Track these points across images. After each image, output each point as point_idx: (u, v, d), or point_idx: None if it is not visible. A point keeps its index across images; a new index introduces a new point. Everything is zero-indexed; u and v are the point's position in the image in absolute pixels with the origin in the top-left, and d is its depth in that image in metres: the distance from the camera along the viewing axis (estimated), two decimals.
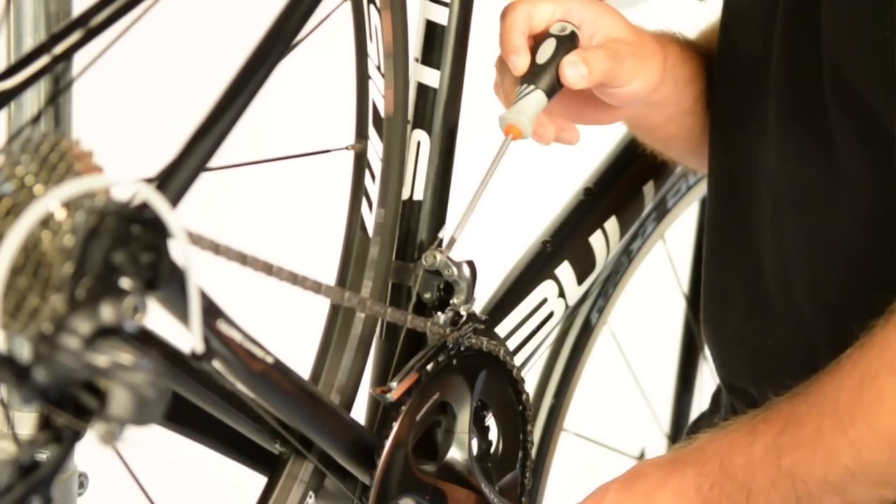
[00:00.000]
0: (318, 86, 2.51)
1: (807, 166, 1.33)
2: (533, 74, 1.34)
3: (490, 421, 1.41)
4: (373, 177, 1.36)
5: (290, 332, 1.39)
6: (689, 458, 1.30)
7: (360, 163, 1.37)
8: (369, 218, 1.36)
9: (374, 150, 1.35)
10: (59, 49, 1.12)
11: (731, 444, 1.28)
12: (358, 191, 1.37)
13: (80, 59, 1.14)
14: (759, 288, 1.40)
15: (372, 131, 1.35)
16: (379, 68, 1.33)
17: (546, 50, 1.34)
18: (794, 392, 1.27)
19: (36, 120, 1.22)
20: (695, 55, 1.49)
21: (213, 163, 1.10)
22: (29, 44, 1.25)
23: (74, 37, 1.12)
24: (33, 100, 1.27)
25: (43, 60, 1.12)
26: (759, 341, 1.41)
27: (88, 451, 1.12)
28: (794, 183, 1.35)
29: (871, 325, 1.23)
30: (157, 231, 1.01)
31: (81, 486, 1.33)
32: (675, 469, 1.30)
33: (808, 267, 1.35)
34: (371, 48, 1.33)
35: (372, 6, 1.32)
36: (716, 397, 1.60)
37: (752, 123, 1.39)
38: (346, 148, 1.35)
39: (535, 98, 1.33)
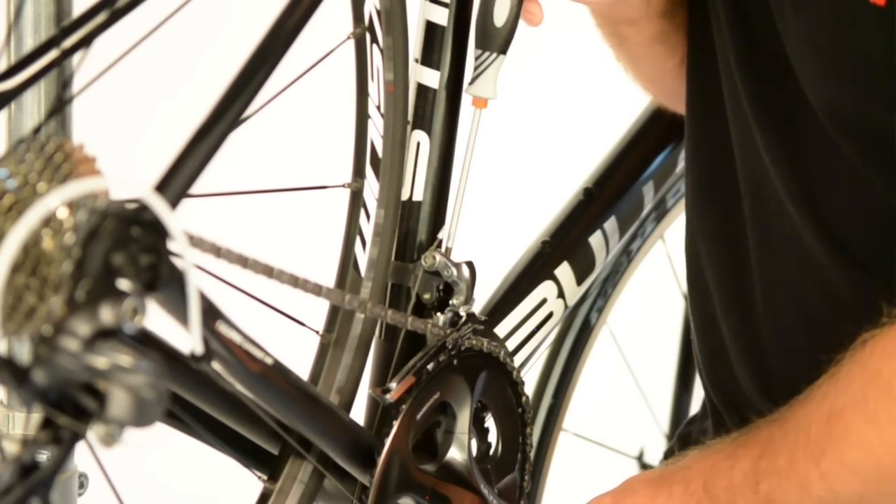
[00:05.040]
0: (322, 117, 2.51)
1: (781, 171, 1.34)
2: (485, 36, 1.35)
3: (489, 422, 1.41)
4: (367, 216, 1.36)
5: (290, 332, 1.39)
6: (676, 476, 1.35)
7: (356, 201, 1.36)
8: (362, 257, 1.36)
9: (371, 189, 1.35)
10: (59, 49, 1.12)
11: (713, 466, 1.33)
12: (352, 229, 1.37)
13: (82, 69, 1.14)
14: (742, 284, 1.41)
15: (369, 171, 1.35)
16: (379, 108, 1.34)
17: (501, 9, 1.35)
18: (771, 417, 1.31)
19: (37, 130, 1.22)
20: None
21: (212, 165, 1.10)
22: (29, 44, 1.25)
23: (75, 37, 1.12)
24: (34, 100, 1.27)
25: (43, 61, 1.12)
26: (740, 338, 1.42)
27: (88, 452, 1.11)
28: (769, 186, 1.35)
29: (839, 358, 1.26)
30: (156, 233, 1.01)
31: (81, 486, 1.33)
32: (663, 487, 1.35)
33: (785, 270, 1.36)
34: (372, 87, 1.34)
35: (375, 46, 1.32)
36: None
37: (724, 120, 1.40)
38: (343, 186, 1.36)
39: (492, 63, 1.35)
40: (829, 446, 1.24)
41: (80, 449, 1.07)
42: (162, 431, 1.18)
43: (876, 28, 1.22)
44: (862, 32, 1.23)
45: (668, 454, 1.64)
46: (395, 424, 1.32)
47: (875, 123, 1.25)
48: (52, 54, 1.11)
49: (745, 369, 1.42)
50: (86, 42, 1.11)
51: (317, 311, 1.38)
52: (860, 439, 1.22)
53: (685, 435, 1.62)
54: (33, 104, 1.27)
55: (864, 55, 1.24)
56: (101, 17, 1.12)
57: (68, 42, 1.11)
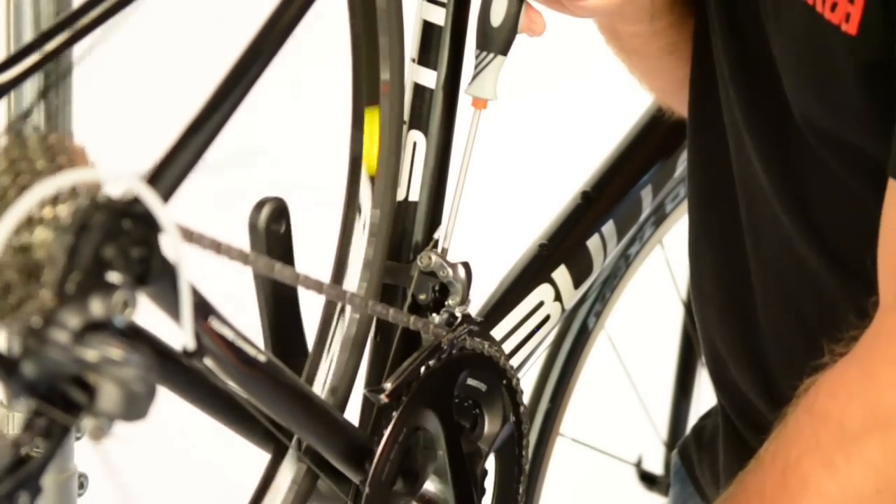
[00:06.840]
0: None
1: (773, 180, 1.34)
2: (485, 36, 1.35)
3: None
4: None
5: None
6: None
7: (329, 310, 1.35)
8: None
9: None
10: (56, 42, 1.11)
11: None
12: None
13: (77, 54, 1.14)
14: (741, 291, 1.41)
15: None
16: (364, 226, 1.33)
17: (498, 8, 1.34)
18: (723, 497, 1.28)
19: (29, 112, 1.21)
20: None
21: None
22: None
23: (74, 28, 1.12)
24: (33, 93, 1.27)
25: (41, 54, 1.12)
26: (740, 344, 1.42)
27: (89, 452, 1.11)
28: (762, 195, 1.36)
29: (784, 413, 1.25)
30: (148, 226, 1.00)
31: (81, 486, 1.32)
32: None
33: (781, 278, 1.36)
34: (364, 205, 1.33)
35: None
36: None
37: (723, 128, 1.40)
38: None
39: (493, 63, 1.35)
40: (787, 500, 1.21)
41: (80, 449, 1.06)
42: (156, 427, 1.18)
43: (847, 55, 1.22)
44: (834, 57, 1.23)
45: (683, 450, 1.63)
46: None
47: (851, 139, 1.25)
48: (52, 45, 1.11)
49: (747, 374, 1.42)
50: (83, 35, 1.11)
51: (312, 309, 1.38)
52: (817, 488, 1.20)
53: (700, 429, 1.62)
54: (32, 96, 1.27)
55: (837, 78, 1.24)
56: (98, 11, 1.11)
57: (67, 34, 1.11)
